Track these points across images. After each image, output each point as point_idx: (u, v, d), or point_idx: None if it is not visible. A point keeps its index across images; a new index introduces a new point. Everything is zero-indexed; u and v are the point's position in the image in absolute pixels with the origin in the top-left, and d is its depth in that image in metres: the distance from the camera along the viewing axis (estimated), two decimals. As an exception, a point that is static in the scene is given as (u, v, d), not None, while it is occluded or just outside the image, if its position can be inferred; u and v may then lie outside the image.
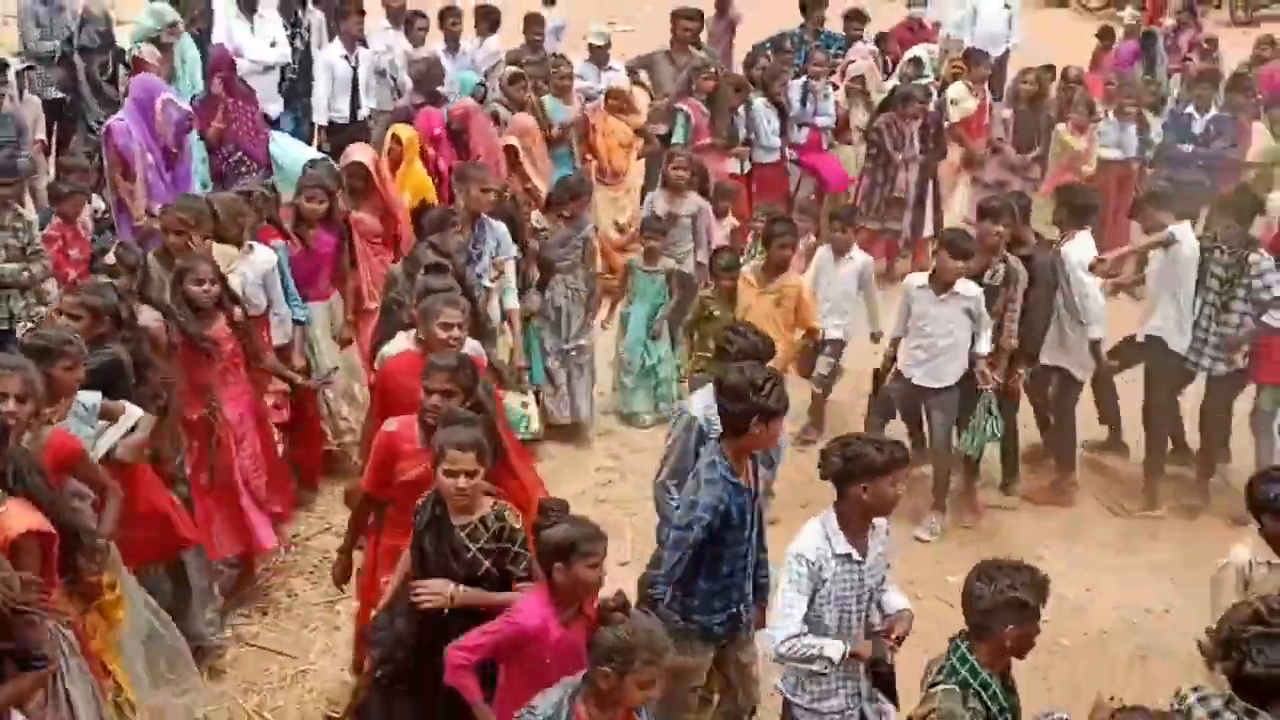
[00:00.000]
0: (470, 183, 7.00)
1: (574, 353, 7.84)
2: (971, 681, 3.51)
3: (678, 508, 4.82)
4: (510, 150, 8.74)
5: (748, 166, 10.17)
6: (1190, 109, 10.45)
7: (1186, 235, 7.17)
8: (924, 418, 7.30)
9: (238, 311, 5.83)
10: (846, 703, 4.38)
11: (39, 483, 4.00)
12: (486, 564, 4.19)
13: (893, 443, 4.24)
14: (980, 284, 6.90)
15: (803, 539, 4.23)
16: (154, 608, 4.98)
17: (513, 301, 7.19)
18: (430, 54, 9.59)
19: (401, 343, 5.52)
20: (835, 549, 4.17)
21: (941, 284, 6.79)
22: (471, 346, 5.43)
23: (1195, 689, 3.57)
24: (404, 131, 8.17)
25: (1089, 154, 10.29)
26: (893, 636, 4.31)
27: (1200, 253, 7.17)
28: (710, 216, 8.59)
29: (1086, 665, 6.02)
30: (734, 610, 4.68)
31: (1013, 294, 7.00)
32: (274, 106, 9.52)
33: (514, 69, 9.20)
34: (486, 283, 6.97)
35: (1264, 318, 7.03)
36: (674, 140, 9.82)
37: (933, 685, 3.57)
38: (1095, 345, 7.24)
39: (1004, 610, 3.48)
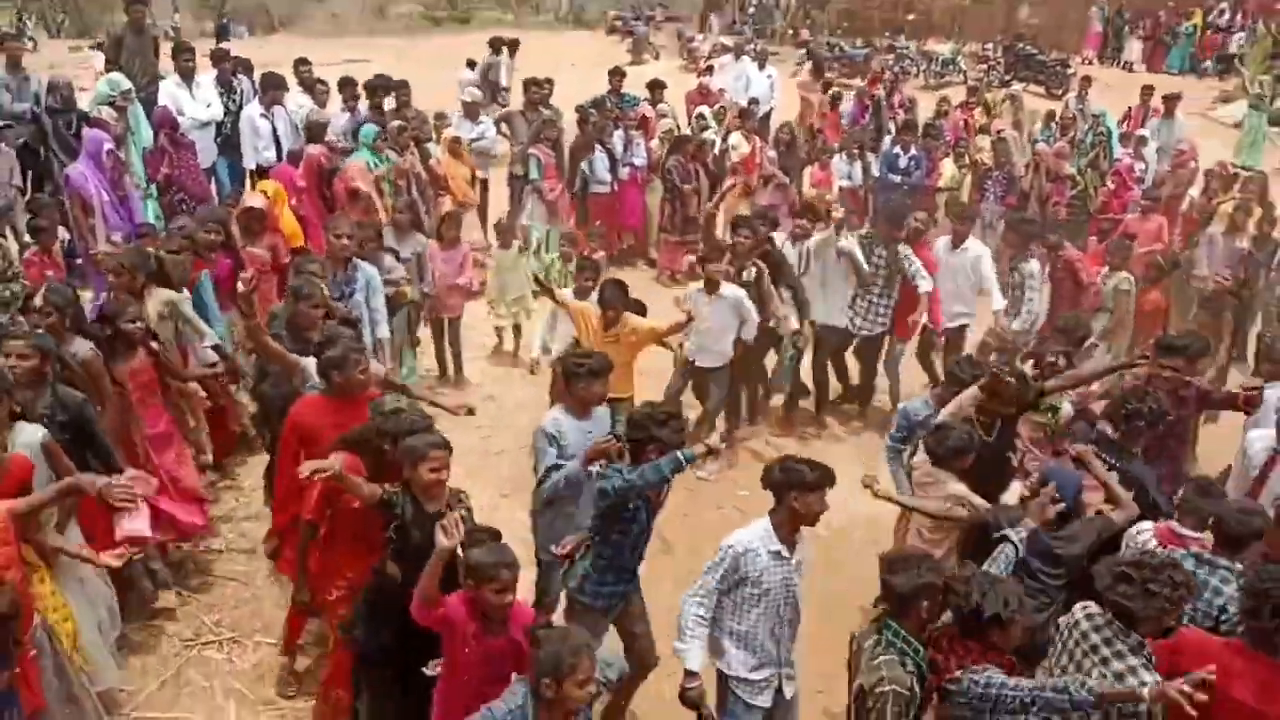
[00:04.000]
0: (327, 231, 6.42)
1: None
2: (906, 650, 3.39)
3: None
4: (351, 190, 8.12)
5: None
6: (897, 149, 10.82)
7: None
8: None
9: (155, 345, 5.24)
10: (771, 671, 4.11)
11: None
12: None
13: (822, 466, 3.92)
14: (740, 282, 6.82)
15: (738, 533, 3.97)
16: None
17: (384, 332, 6.47)
18: (324, 114, 9.15)
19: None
20: (769, 546, 3.91)
21: (711, 287, 6.63)
22: (374, 369, 4.95)
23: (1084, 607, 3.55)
24: (269, 186, 7.68)
25: (830, 184, 10.53)
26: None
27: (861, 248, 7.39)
28: (431, 250, 7.70)
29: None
30: (622, 589, 4.42)
31: (764, 286, 6.92)
32: (209, 156, 9.14)
33: (398, 123, 8.93)
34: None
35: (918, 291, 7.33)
36: (530, 177, 9.74)
37: (873, 659, 3.39)
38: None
39: (920, 593, 3.39)
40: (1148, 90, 13.61)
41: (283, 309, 5.54)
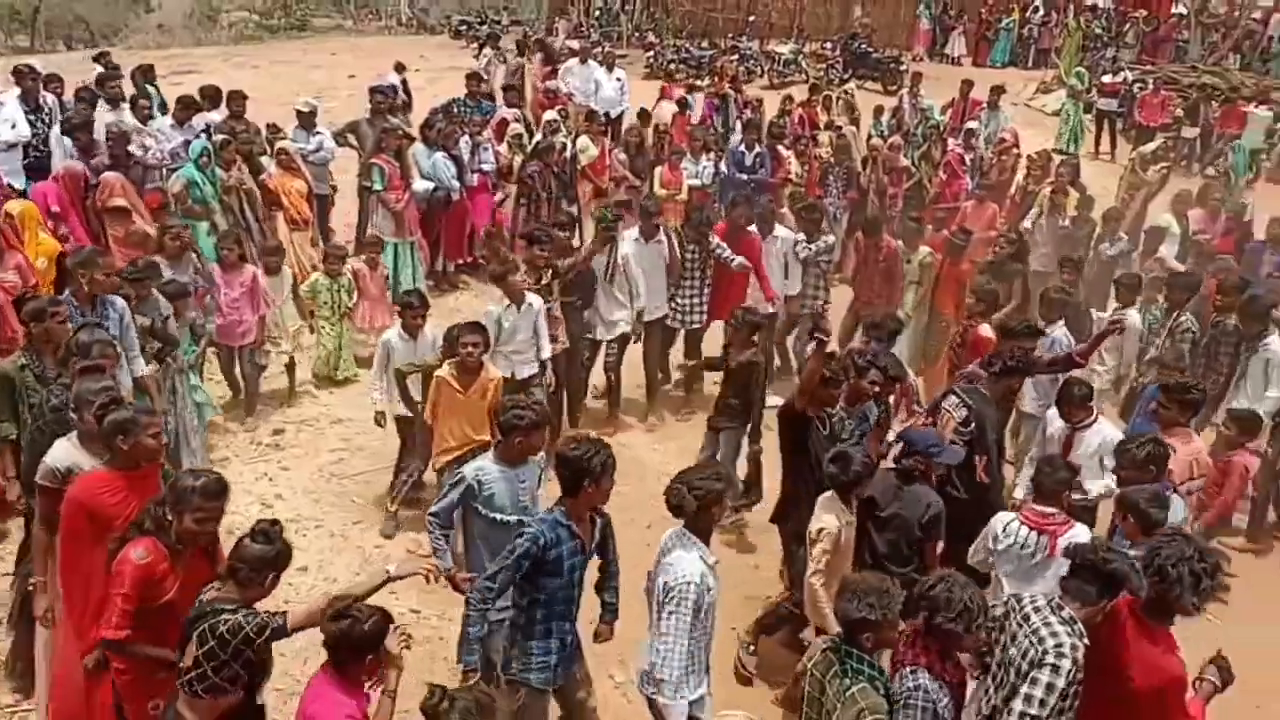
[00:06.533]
0: (94, 268, 5.66)
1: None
2: (873, 673, 3.38)
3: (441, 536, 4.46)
4: (121, 210, 7.56)
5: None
6: (742, 147, 11.05)
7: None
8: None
9: None
10: (705, 688, 4.08)
11: None
12: None
13: (720, 469, 4.02)
14: (538, 287, 6.84)
15: (685, 566, 3.79)
16: None
17: (142, 368, 5.86)
18: (127, 123, 8.62)
19: (70, 453, 4.16)
20: (708, 561, 3.88)
21: (517, 300, 6.51)
22: None
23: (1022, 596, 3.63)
24: (14, 206, 6.81)
25: (680, 185, 10.64)
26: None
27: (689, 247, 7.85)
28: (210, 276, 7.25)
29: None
30: (561, 655, 4.10)
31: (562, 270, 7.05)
32: (18, 179, 8.44)
33: (223, 136, 8.50)
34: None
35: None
36: (375, 188, 9.43)
37: (845, 691, 3.33)
38: (640, 313, 7.69)
39: (858, 626, 3.37)
40: (967, 84, 14.44)
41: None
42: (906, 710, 3.35)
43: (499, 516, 4.44)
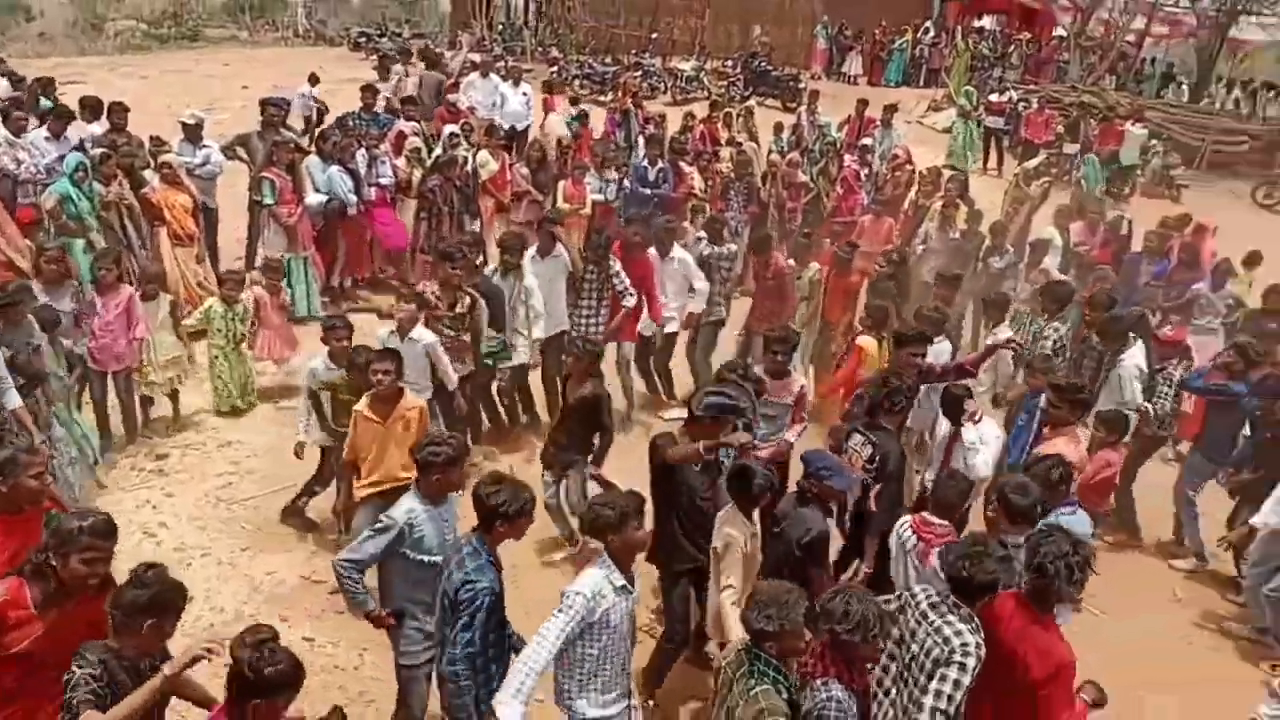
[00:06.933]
0: None
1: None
2: (778, 677, 3.42)
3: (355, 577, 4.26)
4: None
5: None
6: (645, 162, 11.08)
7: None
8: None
9: None
10: (623, 705, 4.03)
11: None
12: None
13: (624, 498, 3.94)
14: (452, 315, 6.70)
15: (581, 579, 3.84)
16: None
17: (15, 400, 5.35)
18: None
19: None
20: (615, 582, 3.84)
21: (402, 331, 6.28)
22: None
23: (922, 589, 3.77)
24: None
25: (584, 199, 10.61)
26: None
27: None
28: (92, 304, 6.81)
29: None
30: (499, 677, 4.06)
31: (478, 321, 6.91)
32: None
33: (103, 150, 8.08)
34: None
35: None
36: (266, 202, 9.13)
37: (749, 690, 3.38)
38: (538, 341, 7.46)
39: (761, 636, 3.42)
40: (862, 103, 14.86)
41: None
42: None
43: (427, 558, 4.30)
